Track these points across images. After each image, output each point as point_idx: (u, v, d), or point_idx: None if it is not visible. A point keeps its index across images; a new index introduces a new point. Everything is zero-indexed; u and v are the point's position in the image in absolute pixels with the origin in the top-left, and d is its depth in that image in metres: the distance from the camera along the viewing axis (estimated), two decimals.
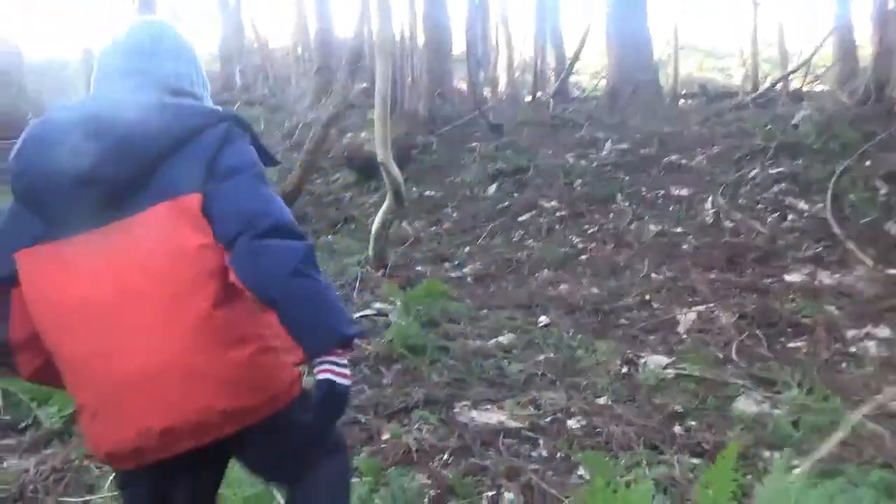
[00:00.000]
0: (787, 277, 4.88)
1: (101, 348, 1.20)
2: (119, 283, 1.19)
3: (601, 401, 3.29)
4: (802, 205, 5.61)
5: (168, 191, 1.22)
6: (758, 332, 4.12)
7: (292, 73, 16.33)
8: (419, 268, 5.93)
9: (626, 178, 6.83)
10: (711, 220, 5.80)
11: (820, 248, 5.13)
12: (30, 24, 26.39)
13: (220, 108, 1.40)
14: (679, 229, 5.83)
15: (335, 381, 1.22)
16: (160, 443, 1.21)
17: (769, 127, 6.66)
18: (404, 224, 7.14)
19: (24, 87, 10.11)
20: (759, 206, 5.80)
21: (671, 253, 5.52)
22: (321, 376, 1.22)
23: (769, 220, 5.60)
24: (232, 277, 1.21)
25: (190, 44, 1.46)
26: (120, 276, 1.20)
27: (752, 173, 6.13)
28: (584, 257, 5.83)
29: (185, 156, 1.24)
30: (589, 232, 6.20)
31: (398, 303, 4.54)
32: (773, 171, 6.05)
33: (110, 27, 1.64)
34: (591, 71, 22.47)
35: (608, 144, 7.72)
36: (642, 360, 3.65)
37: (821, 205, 5.55)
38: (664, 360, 3.64)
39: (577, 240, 6.13)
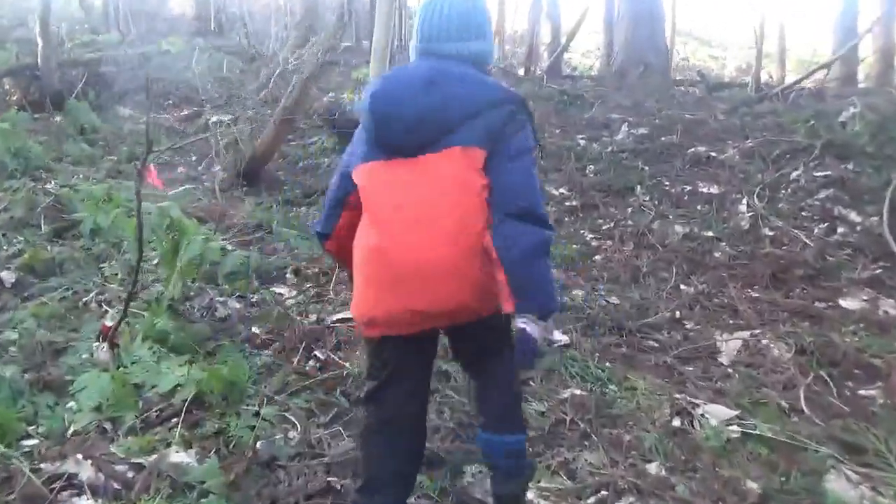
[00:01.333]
0: (844, 303, 4.14)
1: (401, 239, 1.64)
2: (422, 199, 1.64)
3: (652, 468, 2.51)
4: (854, 216, 4.87)
5: (462, 141, 1.65)
6: (821, 372, 3.38)
7: (272, 23, 15.09)
8: None
9: (646, 168, 6.01)
10: (748, 226, 5.03)
11: (879, 270, 4.41)
12: None
13: (513, 89, 1.77)
14: (710, 233, 5.05)
15: (528, 332, 1.65)
16: (416, 320, 1.69)
17: (812, 123, 5.90)
18: None
19: None
20: (804, 213, 5.05)
21: (702, 261, 4.75)
22: (520, 325, 1.66)
23: (816, 230, 4.85)
24: (486, 242, 1.64)
25: (489, 20, 1.85)
26: (424, 194, 1.65)
27: (794, 174, 5.37)
28: (599, 258, 5.02)
29: (481, 119, 1.66)
30: (604, 228, 5.38)
31: None
32: (818, 173, 5.30)
33: None
34: (583, 50, 21.68)
35: (624, 128, 6.89)
36: (698, 411, 2.86)
37: (875, 218, 4.81)
38: (726, 412, 2.86)
39: (591, 236, 5.31)
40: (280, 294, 3.95)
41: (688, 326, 4.04)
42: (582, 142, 6.68)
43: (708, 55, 22.88)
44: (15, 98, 10.07)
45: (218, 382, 2.68)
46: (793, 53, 16.59)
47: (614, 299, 4.38)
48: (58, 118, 9.46)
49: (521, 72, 13.07)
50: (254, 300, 3.82)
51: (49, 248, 4.12)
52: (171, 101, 10.59)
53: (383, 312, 1.68)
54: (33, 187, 4.82)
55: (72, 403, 2.62)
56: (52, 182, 6.14)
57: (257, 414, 2.61)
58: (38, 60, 9.70)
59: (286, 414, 2.65)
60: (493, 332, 1.82)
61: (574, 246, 5.10)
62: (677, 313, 4.14)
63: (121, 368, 2.84)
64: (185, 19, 18.17)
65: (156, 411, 2.63)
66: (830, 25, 14.61)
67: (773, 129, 6.22)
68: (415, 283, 1.62)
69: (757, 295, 4.28)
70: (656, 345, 3.80)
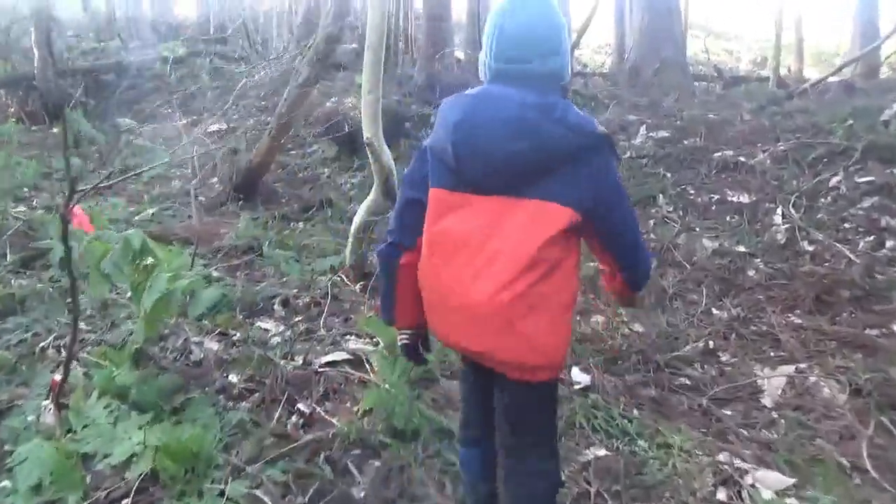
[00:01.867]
0: None
1: (458, 275, 1.62)
2: (486, 242, 1.59)
3: None
4: None
5: (549, 195, 1.55)
6: (883, 418, 2.93)
7: (273, 26, 14.75)
8: None
9: (669, 175, 5.55)
10: (784, 240, 4.56)
11: None
12: None
13: (602, 128, 1.57)
14: (742, 248, 4.59)
15: None
16: (471, 354, 1.71)
17: (850, 123, 5.40)
18: None
19: None
20: (846, 224, 4.56)
21: (735, 281, 4.29)
22: None
23: (861, 244, 4.37)
24: (613, 285, 1.81)
25: (564, 29, 1.66)
26: (488, 236, 1.59)
27: (834, 181, 4.88)
28: None
29: (571, 171, 1.55)
30: None
31: (381, 342, 3.27)
32: (860, 179, 4.81)
33: None
34: (593, 46, 21.14)
35: (643, 130, 6.41)
36: (747, 479, 2.42)
37: None
38: (779, 479, 2.41)
39: None
40: (266, 330, 3.54)
41: (723, 359, 3.59)
42: None
43: (722, 48, 22.28)
44: (12, 109, 9.79)
45: (178, 453, 2.28)
46: (809, 45, 16.01)
47: (638, 327, 3.94)
48: (55, 130, 9.17)
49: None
50: (235, 338, 3.42)
51: (13, 281, 3.74)
52: (169, 110, 10.25)
53: (441, 336, 1.75)
54: (3, 211, 4.45)
55: (5, 482, 2.23)
56: (34, 202, 5.81)
57: (222, 494, 2.20)
58: (35, 70, 9.43)
59: (257, 492, 2.24)
60: (529, 399, 1.72)
61: (592, 264, 4.65)
62: (710, 343, 3.70)
63: (70, 434, 2.44)
64: (189, 24, 17.90)
65: (105, 490, 2.24)
66: (849, 15, 14.10)
67: (807, 129, 5.72)
68: (460, 321, 1.64)
69: (799, 321, 3.81)
70: (689, 382, 3.36)
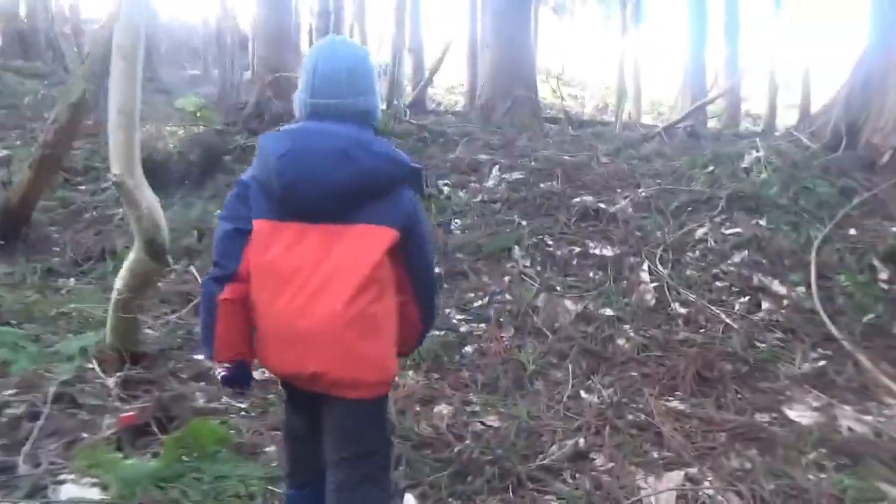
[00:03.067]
0: (792, 413, 3.10)
1: (292, 303, 1.63)
2: (317, 268, 1.63)
3: None
4: (777, 286, 3.93)
5: (372, 219, 1.66)
6: None
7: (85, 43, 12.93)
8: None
9: (525, 223, 4.84)
10: (654, 301, 3.95)
11: (822, 361, 3.44)
12: None
13: (407, 160, 1.74)
14: (609, 311, 3.91)
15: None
16: (306, 380, 1.70)
17: (712, 170, 5.02)
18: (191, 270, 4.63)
19: None
20: (718, 283, 4.04)
21: (604, 353, 3.58)
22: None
23: (737, 306, 3.85)
24: (410, 315, 1.83)
25: (375, 73, 1.82)
26: (320, 263, 1.63)
27: (700, 232, 4.40)
28: (470, 349, 3.72)
29: (389, 198, 1.68)
30: (476, 305, 4.11)
31: (113, 487, 2.12)
32: (728, 231, 4.36)
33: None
34: (447, 85, 21.02)
35: (495, 171, 5.73)
36: None
37: (802, 289, 3.90)
38: None
39: (459, 317, 4.02)
40: None
41: (598, 463, 2.80)
42: (445, 188, 5.43)
43: (567, 94, 23.03)
44: None
45: None
46: (643, 95, 16.84)
47: (493, 420, 3.09)
48: None
49: (384, 106, 11.89)
50: None
51: None
52: None
53: (277, 369, 1.75)
54: None
55: None
56: None
57: None
58: None
59: None
60: (362, 415, 1.76)
61: (437, 332, 3.76)
62: (581, 441, 2.90)
63: None
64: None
65: None
66: (679, 67, 14.94)
67: (667, 175, 5.29)
68: (299, 347, 1.65)
69: (681, 406, 3.14)
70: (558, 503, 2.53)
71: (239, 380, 1.81)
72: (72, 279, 4.80)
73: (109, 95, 2.61)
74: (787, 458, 2.76)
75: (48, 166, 4.88)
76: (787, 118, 13.49)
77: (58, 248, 5.40)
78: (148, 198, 2.73)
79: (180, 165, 6.50)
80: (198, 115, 8.17)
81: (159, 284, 4.58)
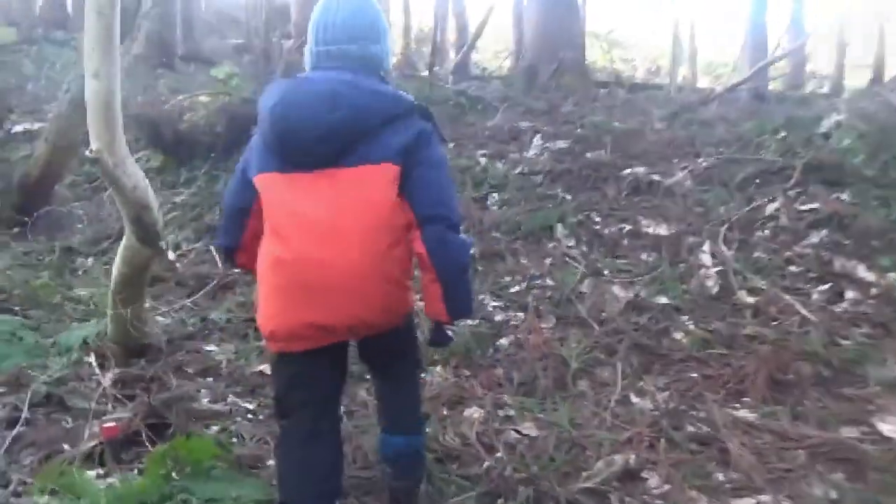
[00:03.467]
0: (885, 427, 2.62)
1: (304, 251, 1.61)
2: (329, 213, 1.61)
3: None
4: (863, 271, 3.40)
5: (371, 157, 1.63)
6: None
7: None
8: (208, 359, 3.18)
9: (569, 197, 4.38)
10: (717, 288, 3.47)
11: None
12: None
13: (410, 97, 1.73)
14: (665, 300, 3.46)
15: (446, 331, 1.84)
16: (317, 334, 1.66)
17: (783, 135, 4.43)
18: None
19: None
20: (792, 267, 3.53)
21: (659, 349, 3.14)
22: (444, 327, 1.82)
23: (815, 295, 3.34)
24: (418, 248, 1.68)
25: (385, 22, 1.81)
26: (330, 208, 1.61)
27: (771, 208, 3.86)
28: (505, 342, 3.32)
29: (388, 133, 1.64)
30: (513, 291, 3.70)
31: None
32: (803, 207, 3.81)
33: None
34: (493, 50, 20.32)
35: (537, 140, 5.24)
36: None
37: (893, 274, 3.35)
38: None
39: (494, 304, 3.62)
40: None
41: (652, 485, 2.40)
42: (482, 160, 4.97)
43: (618, 57, 22.03)
44: None
45: None
46: (700, 57, 15.89)
47: (529, 427, 2.71)
48: None
49: (426, 72, 11.41)
50: None
51: None
52: None
53: (283, 326, 1.68)
54: None
55: None
56: None
57: None
58: None
59: None
60: (400, 339, 1.87)
61: (469, 323, 3.37)
62: (631, 457, 2.49)
63: None
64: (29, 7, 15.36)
65: None
66: (739, 28, 13.96)
67: (731, 143, 4.72)
68: (318, 297, 1.62)
69: (751, 416, 2.69)
70: None
71: None
72: (90, 259, 4.59)
73: (84, 57, 2.27)
74: (881, 483, 2.30)
75: (65, 138, 4.64)
76: (855, 79, 12.48)
77: (81, 226, 5.20)
78: (134, 176, 2.40)
79: (207, 137, 6.22)
80: (229, 83, 7.87)
81: (178, 265, 4.33)
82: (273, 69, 9.26)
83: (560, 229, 4.06)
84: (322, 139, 1.61)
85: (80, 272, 4.40)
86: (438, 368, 3.14)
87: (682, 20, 13.58)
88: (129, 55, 7.01)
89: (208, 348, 3.29)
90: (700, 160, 4.46)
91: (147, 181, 2.52)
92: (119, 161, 2.32)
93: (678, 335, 3.23)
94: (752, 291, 3.40)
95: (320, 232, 1.61)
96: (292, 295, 1.64)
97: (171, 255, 3.61)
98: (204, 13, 15.63)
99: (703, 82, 15.10)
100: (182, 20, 11.69)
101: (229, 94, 6.68)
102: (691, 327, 3.25)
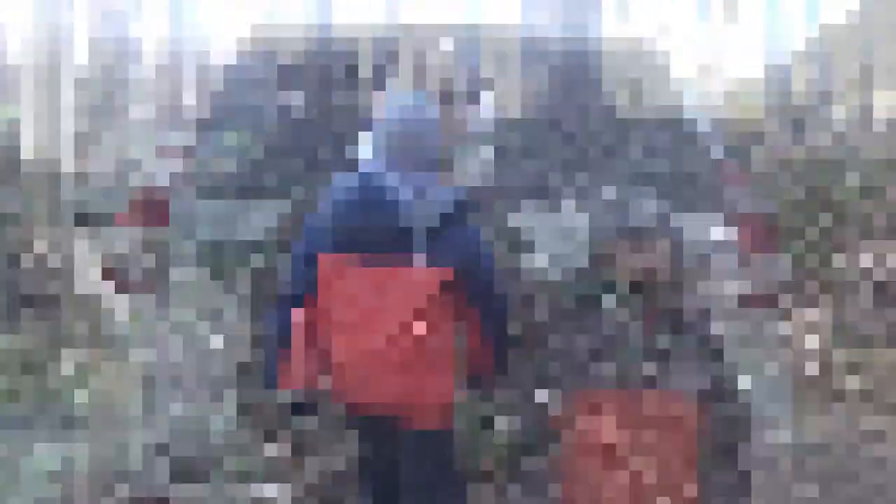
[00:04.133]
0: None
1: (360, 340, 1.68)
2: (380, 303, 1.68)
3: None
4: None
5: (429, 258, 1.70)
6: None
7: None
8: None
9: None
10: None
11: None
12: None
13: (463, 195, 1.81)
14: None
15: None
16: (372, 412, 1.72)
17: None
18: None
19: None
20: None
21: None
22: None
23: None
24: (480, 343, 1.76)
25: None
26: (382, 298, 1.68)
27: None
28: None
29: (447, 236, 1.71)
30: None
31: None
32: None
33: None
34: None
35: None
36: None
37: None
38: None
39: None
40: None
41: None
42: None
43: None
44: None
45: None
46: None
47: None
48: None
49: None
50: None
51: None
52: None
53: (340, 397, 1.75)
54: None
55: None
56: None
57: None
58: None
59: None
60: (426, 459, 1.75)
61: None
62: None
63: None
64: None
65: None
66: None
67: None
68: (357, 377, 1.69)
69: None
70: None
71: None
72: None
73: None
74: None
75: None
76: None
77: None
78: None
79: None
80: None
81: None
82: None
83: None
84: (388, 240, 1.76)
85: None
86: None
87: None
88: None
89: None
90: None
91: None
92: None
93: None
94: None
95: (369, 322, 1.73)
96: (344, 372, 1.75)
97: None
98: None
99: None
100: None
101: None
102: None
